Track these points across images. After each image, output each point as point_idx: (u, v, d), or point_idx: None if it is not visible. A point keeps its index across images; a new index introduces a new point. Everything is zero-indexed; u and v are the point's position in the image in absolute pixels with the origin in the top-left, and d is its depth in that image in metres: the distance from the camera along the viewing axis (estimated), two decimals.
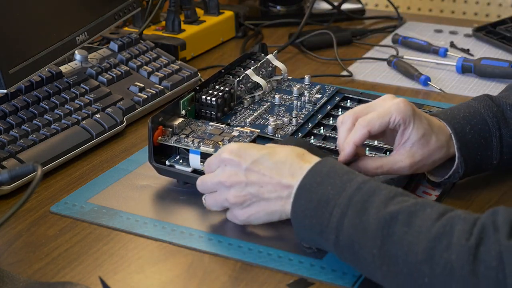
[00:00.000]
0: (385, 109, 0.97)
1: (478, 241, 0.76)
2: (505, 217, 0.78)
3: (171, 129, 1.06)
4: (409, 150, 0.98)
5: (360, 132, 0.96)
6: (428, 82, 1.41)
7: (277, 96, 1.20)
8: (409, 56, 1.54)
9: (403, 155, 0.98)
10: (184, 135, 1.06)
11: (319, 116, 1.17)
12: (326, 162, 0.90)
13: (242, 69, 1.23)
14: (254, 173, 0.91)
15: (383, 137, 1.02)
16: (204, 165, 0.97)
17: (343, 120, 0.98)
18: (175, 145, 1.04)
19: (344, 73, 1.48)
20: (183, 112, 1.10)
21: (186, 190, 1.06)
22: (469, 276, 0.75)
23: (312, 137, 1.13)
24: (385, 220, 0.81)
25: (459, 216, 0.80)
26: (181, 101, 1.10)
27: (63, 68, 1.30)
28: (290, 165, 0.90)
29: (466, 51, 1.57)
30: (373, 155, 1.05)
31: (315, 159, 0.91)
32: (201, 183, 0.97)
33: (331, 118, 1.18)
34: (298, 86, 1.23)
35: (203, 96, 1.13)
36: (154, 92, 1.31)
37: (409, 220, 0.80)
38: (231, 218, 0.96)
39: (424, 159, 0.98)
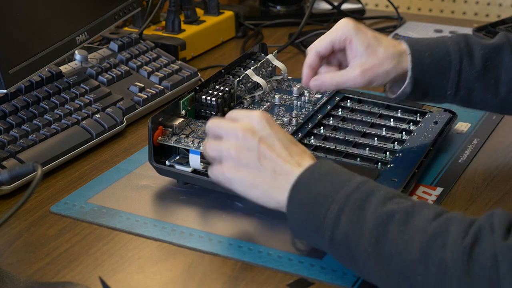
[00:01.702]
0: (329, 31, 1.09)
1: (474, 241, 0.76)
2: (502, 219, 0.77)
3: (171, 129, 1.06)
4: (358, 60, 1.06)
5: (309, 55, 1.09)
6: None
7: (277, 96, 1.20)
8: None
9: (354, 66, 1.06)
10: (184, 135, 1.06)
11: (319, 116, 1.17)
12: (325, 162, 0.90)
13: (242, 69, 1.23)
14: (267, 145, 0.90)
15: (343, 59, 1.10)
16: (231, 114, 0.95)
17: None
18: (175, 145, 1.04)
19: None
20: (183, 112, 1.10)
21: (186, 190, 1.06)
22: (463, 276, 0.75)
23: (312, 137, 1.13)
24: (382, 219, 0.81)
25: (456, 217, 0.80)
26: (181, 101, 1.10)
27: (63, 68, 1.30)
28: (300, 156, 0.91)
29: None
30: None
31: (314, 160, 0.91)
32: (216, 123, 0.93)
33: (331, 118, 1.18)
34: (298, 86, 1.23)
35: (203, 96, 1.13)
36: (154, 92, 1.31)
37: (405, 219, 0.80)
38: (215, 171, 0.92)
39: (374, 67, 1.05)
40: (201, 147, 1.02)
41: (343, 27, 1.07)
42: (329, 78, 1.08)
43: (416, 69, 1.05)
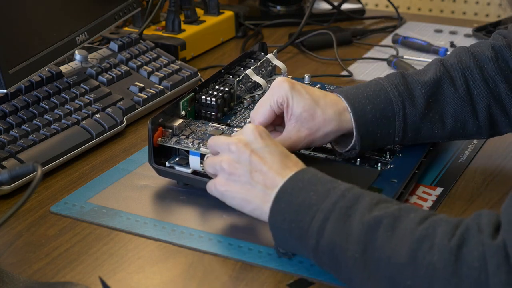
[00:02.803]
0: (265, 95, 1.03)
1: (461, 242, 0.76)
2: (489, 219, 0.77)
3: (171, 130, 1.06)
4: (294, 125, 1.01)
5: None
6: None
7: None
8: (409, 56, 1.54)
9: (291, 132, 1.01)
10: (184, 136, 1.06)
11: None
12: (308, 171, 0.89)
13: (242, 68, 1.23)
14: (259, 157, 0.91)
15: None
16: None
17: None
18: (175, 146, 1.04)
19: (344, 73, 1.48)
20: (183, 112, 1.10)
21: (186, 190, 1.06)
22: (451, 277, 0.75)
23: None
24: (369, 225, 0.81)
25: (442, 219, 0.80)
26: (181, 102, 1.10)
27: (63, 68, 1.30)
28: (291, 169, 0.90)
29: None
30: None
31: (299, 167, 0.91)
32: (214, 139, 0.95)
33: None
34: None
35: (203, 97, 1.13)
36: (154, 92, 1.31)
37: (393, 224, 0.80)
38: (211, 186, 0.94)
39: (312, 133, 1.01)
40: (201, 149, 1.02)
41: (278, 90, 1.01)
42: None
43: (361, 127, 1.01)
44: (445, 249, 0.76)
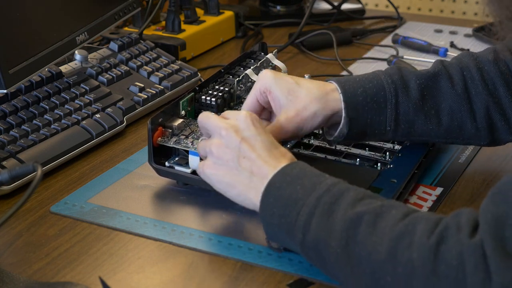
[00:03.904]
0: (251, 90, 1.04)
1: (440, 239, 0.76)
2: (468, 218, 0.77)
3: (170, 130, 1.06)
4: (283, 110, 1.01)
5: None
6: None
7: None
8: (409, 56, 1.54)
9: (280, 117, 1.01)
10: (184, 136, 1.06)
11: None
12: (296, 165, 0.90)
13: (241, 68, 1.23)
14: (249, 145, 0.91)
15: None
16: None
17: None
18: (175, 146, 1.04)
19: (344, 73, 1.48)
20: (183, 112, 1.10)
21: (186, 190, 1.06)
22: (430, 274, 0.75)
23: (312, 137, 1.13)
24: (351, 221, 0.81)
25: (423, 216, 0.80)
26: (181, 102, 1.10)
27: (63, 68, 1.30)
28: (278, 160, 0.90)
29: (466, 51, 1.57)
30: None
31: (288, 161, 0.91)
32: (206, 119, 0.96)
33: None
34: None
35: (203, 97, 1.13)
36: (154, 92, 1.31)
37: (374, 221, 0.80)
38: (199, 167, 0.95)
39: (299, 113, 1.00)
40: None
41: (261, 79, 1.03)
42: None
43: (350, 108, 1.00)
44: (424, 247, 0.76)
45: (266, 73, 1.03)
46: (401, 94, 1.02)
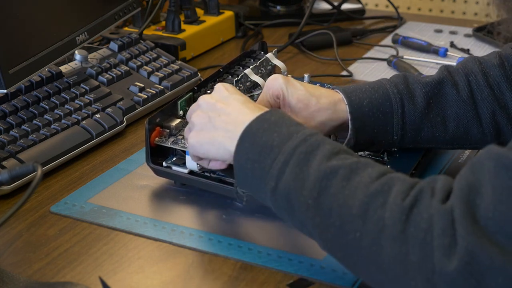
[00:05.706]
0: (262, 93, 1.05)
1: (413, 202, 0.76)
2: (443, 184, 0.78)
3: (168, 130, 1.06)
4: (292, 116, 1.00)
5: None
6: None
7: None
8: (409, 56, 1.54)
9: None
10: (181, 136, 1.06)
11: None
12: (275, 112, 0.90)
13: (241, 68, 1.23)
14: (224, 103, 0.94)
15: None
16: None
17: None
18: (172, 146, 1.04)
19: (344, 73, 1.48)
20: (181, 112, 1.10)
21: (186, 190, 1.06)
22: (399, 234, 0.75)
23: None
24: (325, 173, 0.81)
25: (399, 178, 0.80)
26: (179, 102, 1.10)
27: (63, 68, 1.30)
28: (254, 110, 0.91)
29: (466, 51, 1.57)
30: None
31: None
32: (190, 111, 0.99)
33: None
34: None
35: None
36: (154, 92, 1.31)
37: (348, 175, 0.81)
38: (188, 145, 0.97)
39: (307, 122, 1.01)
40: None
41: (274, 85, 1.03)
42: None
43: (356, 120, 1.01)
44: (397, 207, 0.76)
45: (278, 79, 1.04)
46: (407, 103, 1.03)
